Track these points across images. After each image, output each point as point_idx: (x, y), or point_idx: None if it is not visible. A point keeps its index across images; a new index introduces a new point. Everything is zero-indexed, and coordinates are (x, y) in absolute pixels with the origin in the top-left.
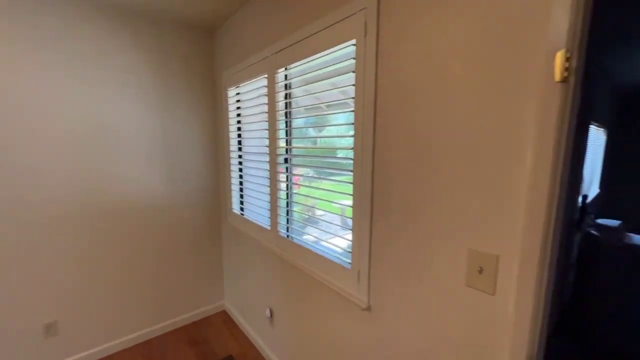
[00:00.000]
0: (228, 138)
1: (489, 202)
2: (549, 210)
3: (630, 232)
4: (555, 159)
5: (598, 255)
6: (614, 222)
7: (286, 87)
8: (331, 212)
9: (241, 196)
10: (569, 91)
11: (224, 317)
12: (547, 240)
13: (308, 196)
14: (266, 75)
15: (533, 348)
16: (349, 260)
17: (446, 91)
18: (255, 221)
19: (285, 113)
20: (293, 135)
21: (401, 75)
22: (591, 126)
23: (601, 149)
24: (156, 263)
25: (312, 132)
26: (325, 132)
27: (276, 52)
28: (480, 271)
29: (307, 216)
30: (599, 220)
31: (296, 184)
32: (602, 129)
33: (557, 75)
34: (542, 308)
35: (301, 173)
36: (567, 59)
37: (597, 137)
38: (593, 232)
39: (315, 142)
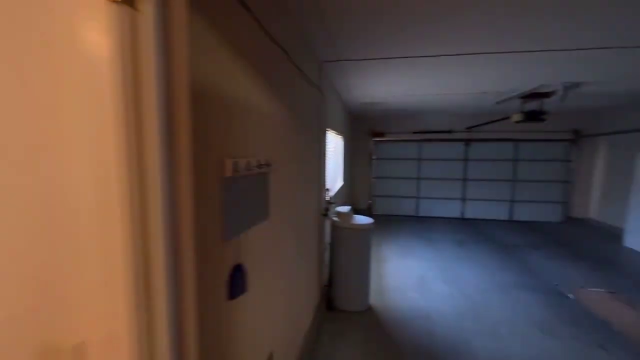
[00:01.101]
0: None
1: None
2: None
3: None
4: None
5: (336, 237)
6: (346, 208)
7: None
8: None
9: None
10: None
11: None
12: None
13: None
14: None
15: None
16: None
17: None
18: None
19: None
20: None
21: None
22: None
23: (341, 150)
24: None
25: None
26: None
27: None
28: None
29: None
30: (338, 208)
31: None
32: (340, 135)
33: None
34: None
35: None
36: None
37: (339, 141)
38: (334, 218)
39: None
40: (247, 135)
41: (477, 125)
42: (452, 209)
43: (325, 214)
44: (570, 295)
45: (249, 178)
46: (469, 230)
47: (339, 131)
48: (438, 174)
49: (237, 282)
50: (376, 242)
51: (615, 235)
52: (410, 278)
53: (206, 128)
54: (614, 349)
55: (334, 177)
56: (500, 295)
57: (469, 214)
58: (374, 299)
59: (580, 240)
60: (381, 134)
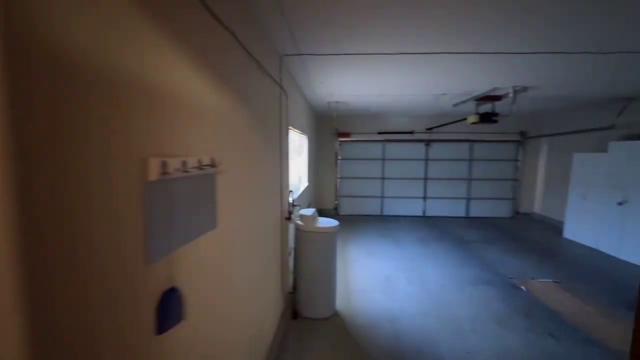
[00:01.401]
0: None
1: None
2: None
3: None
4: None
5: (300, 241)
6: (310, 210)
7: None
8: None
9: None
10: None
11: None
12: None
13: None
14: None
15: None
16: None
17: None
18: None
19: None
20: None
21: None
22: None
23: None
24: None
25: None
26: None
27: None
28: None
29: None
30: (301, 211)
31: None
32: (305, 135)
33: None
34: None
35: None
36: None
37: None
38: (298, 221)
39: None
40: (183, 131)
41: (436, 127)
42: (414, 208)
43: (288, 217)
44: (523, 287)
45: (187, 181)
46: (430, 228)
47: (303, 130)
48: (401, 174)
49: (168, 310)
50: (342, 243)
51: (556, 227)
52: (377, 279)
53: (123, 121)
54: (563, 337)
55: (299, 178)
56: (462, 291)
57: (430, 212)
58: (340, 304)
59: (527, 234)
60: (347, 135)
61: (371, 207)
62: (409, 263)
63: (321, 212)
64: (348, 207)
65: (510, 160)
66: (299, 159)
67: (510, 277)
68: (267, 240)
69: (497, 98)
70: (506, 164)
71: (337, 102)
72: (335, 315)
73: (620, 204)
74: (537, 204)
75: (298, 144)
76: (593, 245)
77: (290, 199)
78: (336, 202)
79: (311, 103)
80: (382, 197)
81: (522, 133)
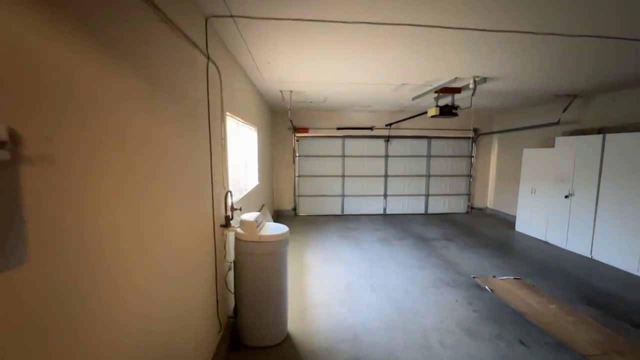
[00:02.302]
0: None
1: None
2: None
3: (271, 221)
4: None
5: (240, 253)
6: (253, 215)
7: None
8: None
9: None
10: None
11: None
12: None
13: None
14: None
15: None
16: None
17: None
18: None
19: None
20: None
21: None
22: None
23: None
24: None
25: None
26: None
27: None
28: None
29: None
30: (243, 215)
31: None
32: (254, 127)
33: None
34: None
35: None
36: None
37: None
38: (238, 229)
39: None
40: None
41: (396, 122)
42: (375, 206)
43: (226, 224)
44: (487, 288)
45: None
46: (391, 227)
47: (250, 121)
48: (362, 171)
49: None
50: (299, 248)
51: (508, 222)
52: (337, 288)
53: None
54: (533, 344)
55: (245, 177)
56: (427, 297)
57: (390, 210)
58: (293, 323)
59: (483, 229)
60: (304, 130)
61: (332, 207)
62: (371, 267)
63: (279, 214)
64: (308, 207)
65: (465, 157)
66: (246, 154)
67: (474, 277)
68: (193, 256)
69: (457, 90)
70: (461, 161)
71: (290, 91)
72: (287, 339)
73: (566, 197)
74: (490, 199)
75: (246, 137)
76: (542, 238)
77: (230, 202)
78: (295, 202)
79: (261, 91)
80: (343, 195)
81: (475, 130)
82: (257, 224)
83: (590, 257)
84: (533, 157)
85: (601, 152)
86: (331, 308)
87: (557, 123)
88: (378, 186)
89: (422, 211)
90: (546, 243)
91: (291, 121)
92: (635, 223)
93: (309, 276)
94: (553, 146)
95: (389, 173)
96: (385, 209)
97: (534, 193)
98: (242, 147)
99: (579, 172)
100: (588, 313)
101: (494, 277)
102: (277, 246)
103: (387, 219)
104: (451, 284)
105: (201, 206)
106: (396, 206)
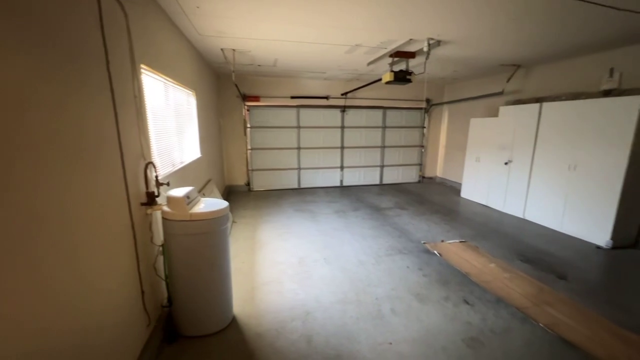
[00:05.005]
0: None
1: None
2: None
3: (210, 197)
4: None
5: (169, 235)
6: (183, 190)
7: None
8: None
9: None
10: None
11: None
12: None
13: None
14: None
15: None
16: None
17: None
18: None
19: None
20: None
21: None
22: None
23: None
24: None
25: None
26: None
27: None
28: None
29: None
30: (171, 191)
31: None
32: (191, 91)
33: None
34: None
35: None
36: None
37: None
38: (165, 208)
39: None
40: None
41: (352, 91)
42: (332, 179)
43: (149, 202)
44: (436, 252)
45: None
46: (347, 198)
47: (184, 83)
48: (318, 143)
49: None
50: (252, 225)
51: (455, 189)
52: (289, 263)
53: None
54: (476, 302)
55: (181, 148)
56: (380, 266)
57: (347, 182)
58: (240, 305)
59: (432, 197)
60: (255, 98)
61: (288, 181)
62: (326, 239)
63: (232, 190)
64: (263, 182)
65: (418, 128)
66: (179, 120)
67: (424, 243)
68: (85, 247)
69: (411, 55)
70: (414, 132)
71: (233, 50)
72: (232, 323)
73: (506, 163)
74: (440, 168)
75: (174, 99)
76: (485, 203)
77: (152, 175)
78: (248, 177)
79: (199, 49)
80: (299, 168)
81: (427, 100)
82: (187, 200)
83: (523, 217)
84: (478, 127)
85: (537, 121)
86: (282, 285)
87: (502, 93)
88: (335, 158)
89: (378, 182)
90: (487, 207)
91: (237, 86)
92: (560, 186)
93: (261, 253)
94: (497, 116)
95: (345, 145)
96: (342, 181)
97: (479, 161)
98: (175, 113)
99: (518, 140)
100: (522, 269)
101: (442, 241)
102: (214, 224)
103: (344, 191)
104: (403, 251)
105: (103, 181)
106: (352, 178)
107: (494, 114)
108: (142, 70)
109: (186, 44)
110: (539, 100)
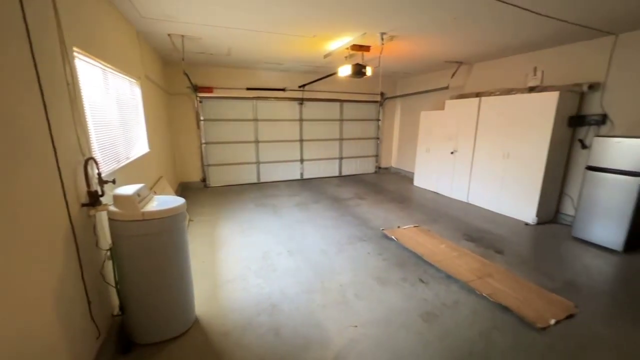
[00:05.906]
0: None
1: None
2: None
3: (161, 195)
4: None
5: (118, 236)
6: (133, 187)
7: None
8: None
9: None
10: None
11: None
12: None
13: None
14: None
15: None
16: None
17: None
18: None
19: None
20: None
21: None
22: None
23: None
24: None
25: None
26: None
27: None
28: None
29: None
30: (118, 189)
31: None
32: (133, 79)
33: None
34: None
35: None
36: None
37: None
38: (112, 208)
39: None
40: None
41: (309, 83)
42: (292, 172)
43: (91, 202)
44: (393, 237)
45: None
46: (308, 191)
47: (127, 71)
48: (276, 136)
49: None
50: (212, 222)
51: (408, 178)
52: (253, 258)
53: None
54: (430, 280)
55: (127, 142)
56: (342, 254)
57: (307, 175)
58: (203, 306)
59: (388, 186)
60: (209, 90)
61: (247, 175)
62: (289, 232)
63: (186, 186)
64: (220, 177)
65: (373, 120)
66: (123, 111)
67: (382, 229)
68: (13, 259)
69: (366, 48)
70: (370, 124)
71: (182, 36)
72: (195, 325)
73: (452, 153)
74: (394, 159)
75: (116, 88)
76: (434, 190)
77: (94, 173)
78: (204, 172)
79: (142, 32)
80: (258, 162)
81: (382, 94)
82: (138, 198)
83: (467, 201)
84: (428, 119)
85: (477, 114)
86: (247, 281)
87: (447, 88)
88: (294, 151)
89: (337, 174)
90: (437, 194)
91: (188, 76)
92: (496, 172)
93: (223, 250)
94: (444, 109)
95: (304, 137)
96: (302, 174)
97: (429, 152)
98: (118, 104)
99: (461, 131)
100: (467, 247)
101: (399, 227)
102: (170, 222)
103: (305, 184)
104: (363, 238)
105: (31, 181)
106: (312, 170)
107: (442, 107)
108: (76, 55)
109: (128, 27)
110: (478, 95)
